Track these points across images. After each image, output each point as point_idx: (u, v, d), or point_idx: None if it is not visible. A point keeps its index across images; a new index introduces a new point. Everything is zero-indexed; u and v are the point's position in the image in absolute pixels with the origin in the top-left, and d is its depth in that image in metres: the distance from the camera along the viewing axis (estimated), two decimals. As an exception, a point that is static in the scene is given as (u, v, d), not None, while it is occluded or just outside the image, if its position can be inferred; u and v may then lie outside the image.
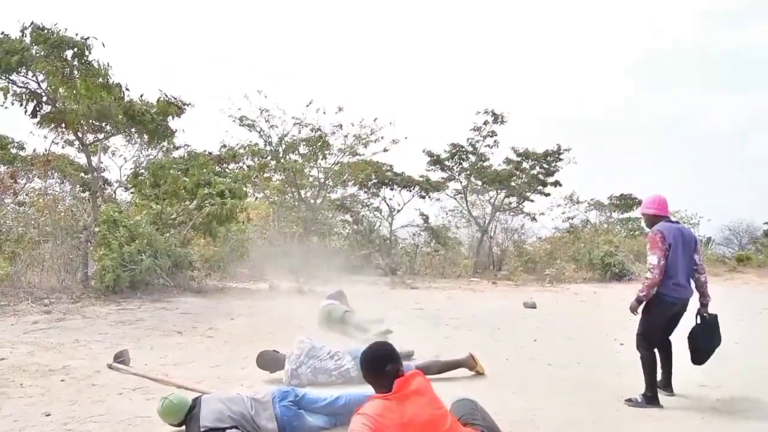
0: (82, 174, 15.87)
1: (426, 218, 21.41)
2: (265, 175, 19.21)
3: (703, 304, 5.28)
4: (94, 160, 13.84)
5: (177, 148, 16.07)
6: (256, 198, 19.65)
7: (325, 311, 8.36)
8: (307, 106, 18.10)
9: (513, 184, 21.05)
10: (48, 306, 9.50)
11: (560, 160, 20.91)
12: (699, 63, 55.60)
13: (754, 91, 54.81)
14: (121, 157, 17.73)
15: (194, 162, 14.02)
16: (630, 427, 4.44)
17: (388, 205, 21.40)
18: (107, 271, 10.84)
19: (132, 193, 15.10)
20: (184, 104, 13.00)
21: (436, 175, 21.31)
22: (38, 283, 11.41)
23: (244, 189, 14.59)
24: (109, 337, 7.48)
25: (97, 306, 9.91)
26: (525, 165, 21.15)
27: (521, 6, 57.10)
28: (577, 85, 52.07)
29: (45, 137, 14.50)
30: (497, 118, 20.18)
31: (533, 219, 22.21)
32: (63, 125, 12.52)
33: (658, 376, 5.13)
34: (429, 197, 21.36)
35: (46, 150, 14.94)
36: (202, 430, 3.82)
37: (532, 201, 21.72)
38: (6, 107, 11.62)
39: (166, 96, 12.70)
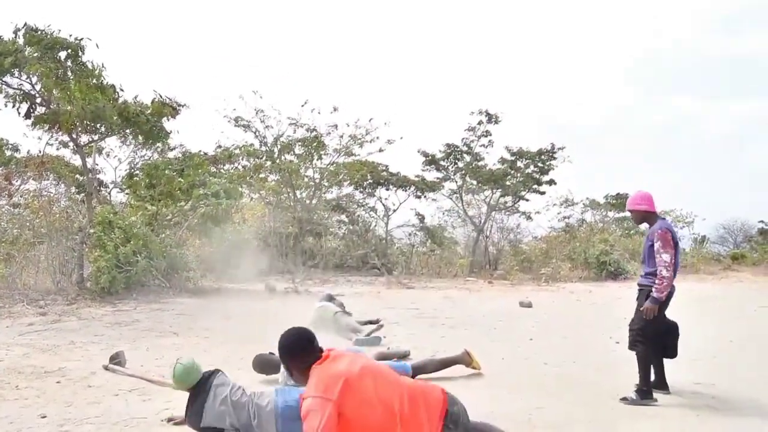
0: (77, 175, 15.83)
1: (422, 218, 21.46)
2: (261, 175, 19.19)
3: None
4: (89, 161, 13.81)
5: (172, 149, 16.06)
6: (252, 198, 19.63)
7: (317, 313, 8.36)
8: (302, 106, 18.13)
9: (508, 183, 21.12)
10: (43, 308, 9.49)
11: (554, 158, 20.97)
12: (698, 67, 55.88)
13: (752, 97, 55.29)
14: (115, 159, 17.69)
15: (189, 163, 14.02)
16: (626, 425, 4.45)
17: (383, 205, 21.49)
18: (103, 273, 10.83)
19: (127, 194, 15.10)
20: (179, 105, 13.01)
21: (432, 175, 21.41)
22: (33, 285, 11.38)
23: (240, 189, 14.59)
24: (104, 338, 7.47)
25: (92, 307, 9.89)
26: (519, 164, 21.22)
27: (518, 6, 57.18)
28: (576, 86, 52.22)
29: (39, 139, 14.51)
30: (491, 118, 20.24)
31: (529, 218, 22.29)
32: (57, 127, 12.49)
33: (652, 376, 5.15)
34: (425, 197, 21.43)
35: (40, 152, 14.91)
36: (202, 425, 3.79)
37: (527, 200, 21.83)
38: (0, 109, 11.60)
39: (161, 97, 12.70)
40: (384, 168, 20.72)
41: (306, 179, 19.56)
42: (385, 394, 3.08)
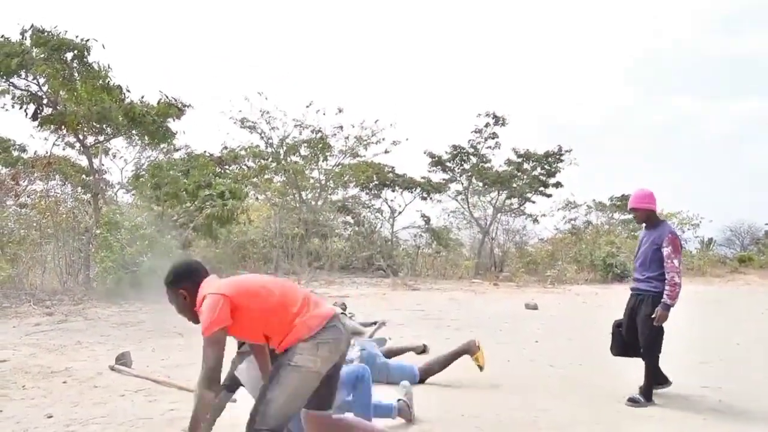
0: (84, 176, 15.88)
1: (427, 219, 21.42)
2: (266, 176, 19.21)
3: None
4: (95, 162, 13.87)
5: (177, 150, 16.09)
6: (258, 199, 19.65)
7: None
8: (308, 107, 18.17)
9: (514, 185, 21.06)
10: (50, 308, 9.52)
11: (561, 161, 20.94)
12: (698, 67, 55.67)
13: (752, 97, 55.06)
14: (121, 159, 17.73)
15: (195, 163, 14.05)
16: (631, 427, 4.44)
17: (389, 206, 21.47)
18: (109, 273, 10.86)
19: (133, 194, 15.13)
20: (185, 105, 13.03)
21: (438, 177, 21.38)
22: (40, 285, 11.43)
23: (245, 190, 14.59)
24: (110, 338, 7.49)
25: (98, 308, 9.91)
26: (526, 166, 21.19)
27: (522, 8, 57.04)
28: (576, 86, 52.00)
29: (46, 140, 14.56)
30: (498, 120, 20.23)
31: (535, 221, 22.26)
32: (64, 127, 12.54)
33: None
34: (430, 198, 21.38)
35: (47, 152, 14.96)
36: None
37: (533, 202, 21.77)
38: (7, 110, 11.66)
39: (167, 97, 12.73)
40: (390, 169, 20.69)
41: (311, 180, 19.57)
42: (275, 285, 3.10)
